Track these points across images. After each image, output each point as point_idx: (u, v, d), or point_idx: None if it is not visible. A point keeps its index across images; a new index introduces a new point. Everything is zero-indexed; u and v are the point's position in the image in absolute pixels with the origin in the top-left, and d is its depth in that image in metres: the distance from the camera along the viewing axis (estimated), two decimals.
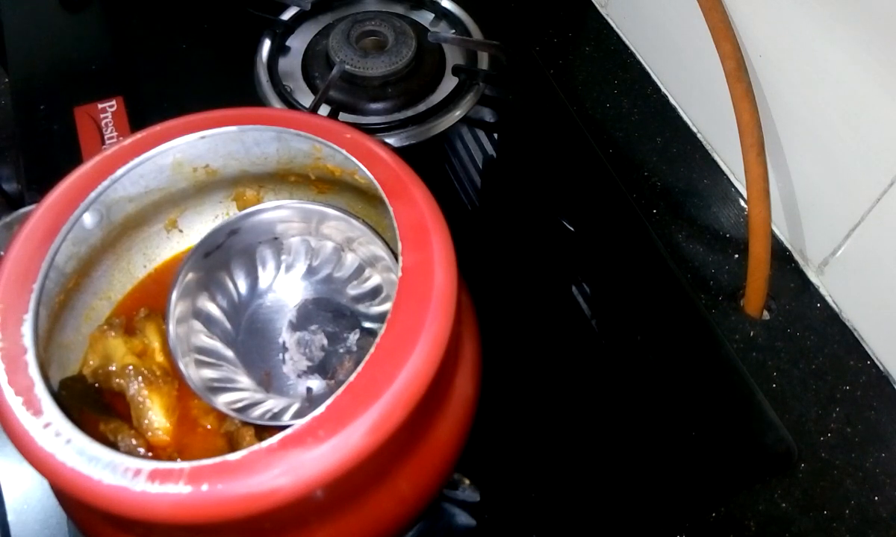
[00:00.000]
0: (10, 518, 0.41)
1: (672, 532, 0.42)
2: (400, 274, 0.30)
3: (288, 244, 0.39)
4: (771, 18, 0.48)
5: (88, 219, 0.34)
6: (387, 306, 0.30)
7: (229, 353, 0.37)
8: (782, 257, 0.53)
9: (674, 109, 0.60)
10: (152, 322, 0.36)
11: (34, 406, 0.27)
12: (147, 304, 0.38)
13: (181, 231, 0.40)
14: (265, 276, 0.39)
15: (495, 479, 0.42)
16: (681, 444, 0.45)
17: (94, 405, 0.34)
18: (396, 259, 0.31)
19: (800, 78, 0.47)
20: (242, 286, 0.38)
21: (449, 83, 0.61)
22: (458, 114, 0.59)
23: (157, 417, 0.34)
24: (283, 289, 0.39)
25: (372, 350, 0.28)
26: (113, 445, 0.29)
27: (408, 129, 0.58)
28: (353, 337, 0.37)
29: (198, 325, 0.36)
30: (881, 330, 0.47)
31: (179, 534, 0.29)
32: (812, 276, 0.51)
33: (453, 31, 0.65)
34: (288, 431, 0.26)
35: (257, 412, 0.33)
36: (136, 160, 0.34)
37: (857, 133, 0.45)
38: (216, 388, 0.34)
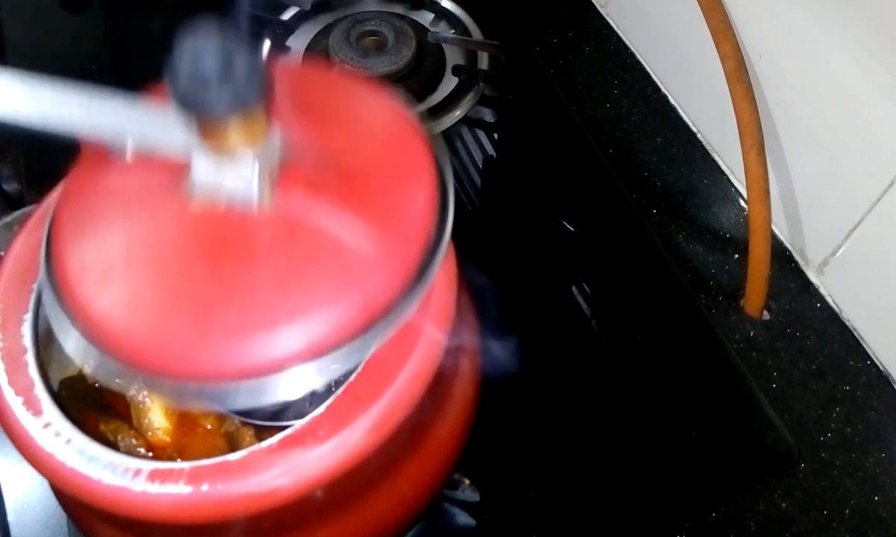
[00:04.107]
0: (10, 518, 0.41)
1: (672, 532, 0.42)
2: None
3: None
4: (771, 18, 0.48)
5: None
6: None
7: None
8: (782, 257, 0.53)
9: (674, 109, 0.60)
10: None
11: (34, 406, 0.27)
12: None
13: None
14: None
15: (495, 479, 0.42)
16: (681, 444, 0.45)
17: (94, 405, 0.34)
18: None
19: (800, 78, 0.47)
20: None
21: (449, 83, 0.61)
22: (458, 114, 0.59)
23: (157, 417, 0.34)
24: None
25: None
26: (113, 445, 0.29)
27: None
28: None
29: None
30: (881, 330, 0.47)
31: (179, 534, 0.29)
32: (812, 276, 0.51)
33: (453, 31, 0.65)
34: (288, 431, 0.26)
35: (257, 412, 0.33)
36: None
37: (857, 133, 0.45)
38: None
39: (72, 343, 0.26)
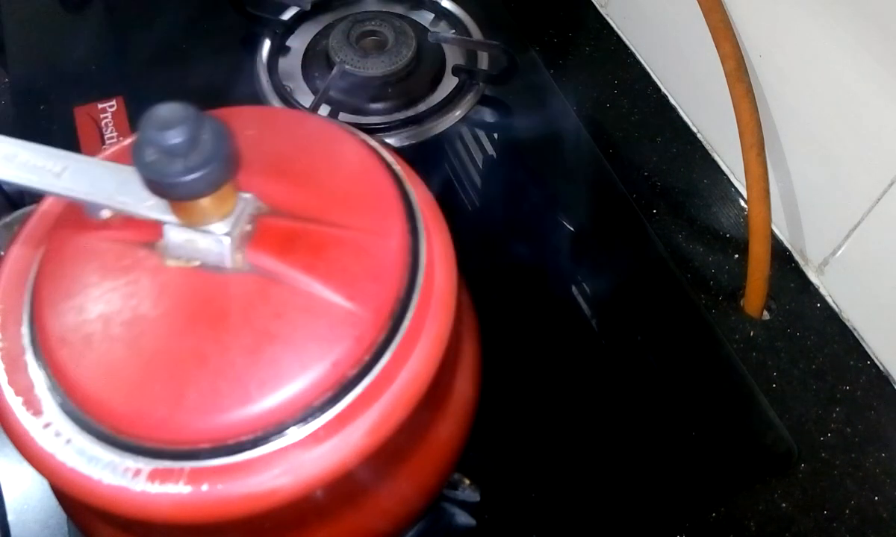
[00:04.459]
0: (10, 518, 0.41)
1: (672, 532, 0.42)
2: None
3: None
4: (771, 18, 0.48)
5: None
6: None
7: None
8: (782, 257, 0.53)
9: (674, 109, 0.60)
10: None
11: (34, 406, 0.27)
12: None
13: None
14: None
15: (495, 479, 0.42)
16: (681, 444, 0.45)
17: None
18: None
19: (800, 78, 0.47)
20: None
21: (449, 83, 0.61)
22: (458, 114, 0.59)
23: None
24: None
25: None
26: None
27: (408, 129, 0.58)
28: None
29: None
30: (881, 330, 0.47)
31: (179, 534, 0.29)
32: (812, 276, 0.51)
33: (453, 31, 0.65)
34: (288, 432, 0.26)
35: None
36: None
37: (857, 133, 0.45)
38: None
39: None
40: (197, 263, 0.27)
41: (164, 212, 0.27)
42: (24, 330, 0.28)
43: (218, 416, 0.25)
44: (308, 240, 0.28)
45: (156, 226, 0.27)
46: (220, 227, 0.27)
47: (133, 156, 0.24)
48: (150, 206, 0.27)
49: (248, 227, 0.28)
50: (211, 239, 0.27)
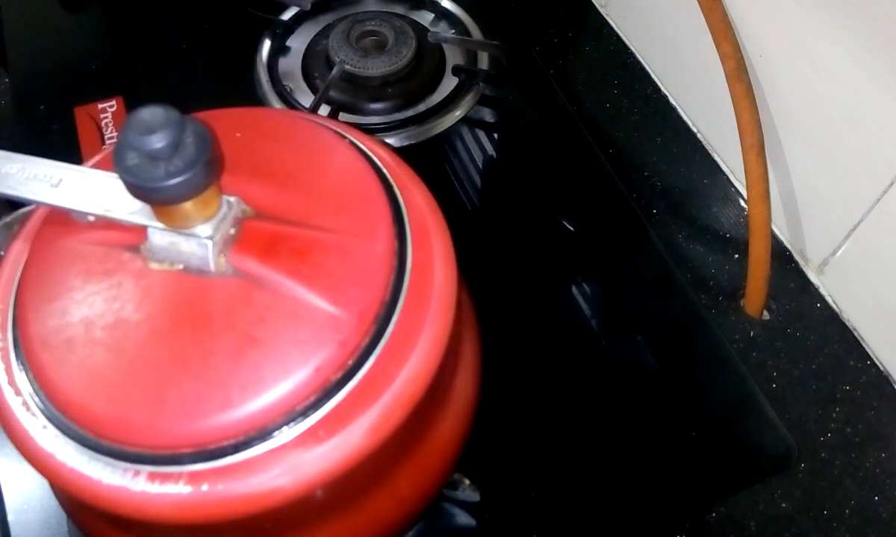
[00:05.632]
0: (10, 518, 0.41)
1: (672, 532, 0.42)
2: None
3: None
4: (771, 18, 0.48)
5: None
6: None
7: None
8: (782, 257, 0.53)
9: (674, 109, 0.60)
10: None
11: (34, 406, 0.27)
12: None
13: None
14: None
15: (495, 479, 0.42)
16: (681, 444, 0.45)
17: None
18: None
19: (800, 78, 0.47)
20: None
21: (449, 83, 0.61)
22: (458, 114, 0.59)
23: None
24: None
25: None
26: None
27: (408, 129, 0.58)
28: None
29: None
30: (881, 330, 0.47)
31: (179, 534, 0.29)
32: (812, 276, 0.51)
33: (453, 31, 0.65)
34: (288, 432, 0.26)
35: None
36: None
37: (857, 133, 0.45)
38: None
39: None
40: (180, 267, 0.27)
41: (147, 215, 0.27)
42: (9, 333, 0.28)
43: (199, 421, 0.25)
44: (292, 243, 0.28)
45: (140, 229, 0.27)
46: (203, 230, 0.26)
47: (115, 161, 0.24)
48: (133, 211, 0.27)
49: (232, 231, 0.27)
50: (194, 242, 0.26)
